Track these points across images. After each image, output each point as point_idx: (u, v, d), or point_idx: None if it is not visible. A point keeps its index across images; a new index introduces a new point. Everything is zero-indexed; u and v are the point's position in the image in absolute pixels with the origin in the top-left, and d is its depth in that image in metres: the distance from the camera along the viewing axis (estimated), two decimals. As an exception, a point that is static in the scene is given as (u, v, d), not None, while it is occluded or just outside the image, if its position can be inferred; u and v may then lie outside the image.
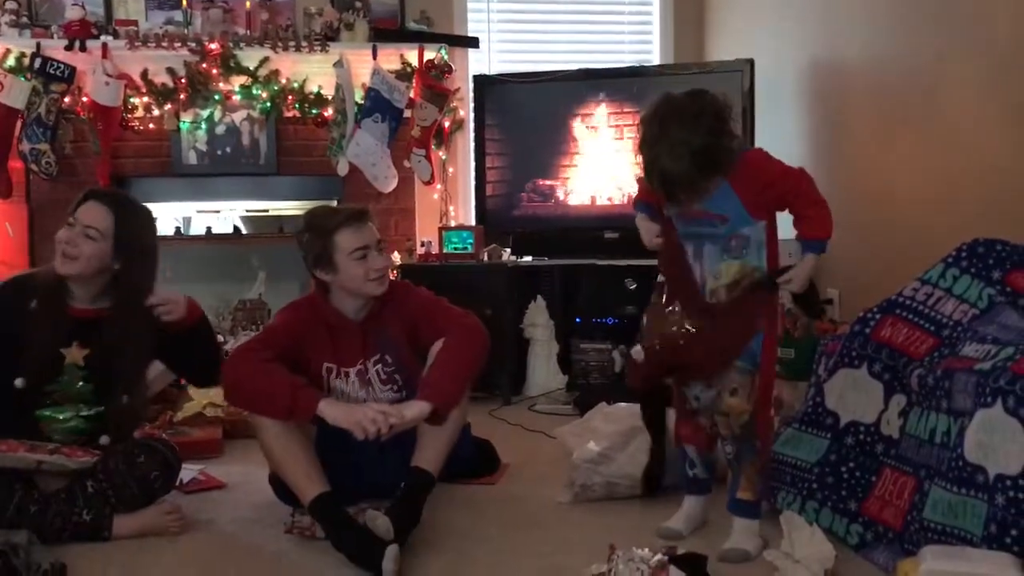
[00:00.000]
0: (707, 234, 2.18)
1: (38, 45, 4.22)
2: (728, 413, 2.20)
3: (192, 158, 4.46)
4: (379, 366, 2.58)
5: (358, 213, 2.52)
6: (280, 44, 4.37)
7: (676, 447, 2.42)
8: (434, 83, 4.46)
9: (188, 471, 2.74)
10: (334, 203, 4.28)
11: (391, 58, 4.49)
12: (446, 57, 4.52)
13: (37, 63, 4.17)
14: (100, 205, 2.39)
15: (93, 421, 2.39)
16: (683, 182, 2.07)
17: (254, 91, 4.41)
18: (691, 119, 2.06)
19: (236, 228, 4.73)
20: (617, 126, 4.28)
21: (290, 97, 4.43)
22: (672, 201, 2.16)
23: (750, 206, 2.13)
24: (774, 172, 2.16)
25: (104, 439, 2.39)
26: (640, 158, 2.15)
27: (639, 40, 5.00)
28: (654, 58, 4.94)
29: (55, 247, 2.37)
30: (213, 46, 4.33)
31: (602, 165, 4.31)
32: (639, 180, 2.35)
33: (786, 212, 2.18)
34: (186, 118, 4.41)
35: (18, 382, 2.32)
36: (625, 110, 4.26)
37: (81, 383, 2.37)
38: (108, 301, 2.41)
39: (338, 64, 4.33)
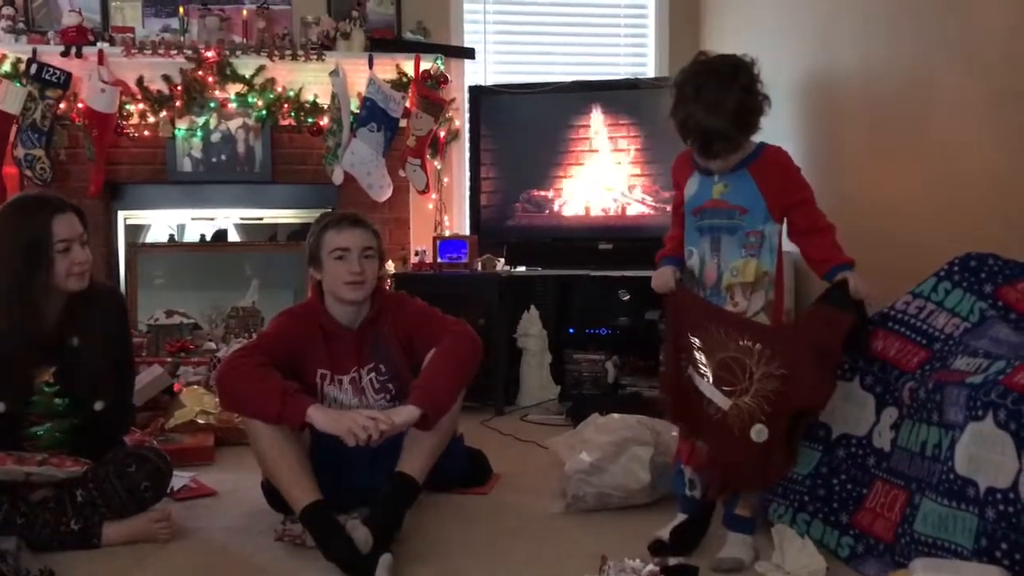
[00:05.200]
0: (725, 226, 2.18)
1: (34, 51, 4.23)
2: None
3: (187, 165, 4.46)
4: (373, 375, 2.59)
5: (348, 216, 2.59)
6: (276, 52, 4.38)
7: (673, 462, 2.42)
8: (430, 93, 4.47)
9: (179, 478, 2.73)
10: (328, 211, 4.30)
11: (387, 68, 4.50)
12: (442, 67, 4.54)
13: (33, 69, 4.17)
14: (68, 213, 2.34)
15: (72, 433, 2.36)
16: (720, 136, 2.08)
17: (250, 99, 4.41)
18: (727, 77, 2.08)
19: (223, 231, 4.73)
20: (612, 138, 4.29)
21: (286, 105, 4.44)
22: (708, 155, 2.14)
23: (770, 201, 2.14)
24: (797, 175, 2.19)
25: (99, 404, 2.37)
26: (674, 120, 2.13)
27: (634, 52, 5.02)
28: (649, 70, 4.96)
29: (62, 270, 2.30)
30: (209, 54, 4.34)
31: (596, 176, 4.32)
32: (667, 239, 2.36)
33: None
34: (181, 125, 4.41)
35: (0, 406, 2.30)
36: (620, 122, 4.28)
37: (56, 400, 2.34)
38: (63, 314, 2.38)
39: (334, 73, 4.34)
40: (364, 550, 2.12)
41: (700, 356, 2.17)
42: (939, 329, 2.26)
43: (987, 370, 1.97)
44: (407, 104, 4.45)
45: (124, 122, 4.36)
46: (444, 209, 4.69)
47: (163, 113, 4.37)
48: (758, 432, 2.08)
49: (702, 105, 2.07)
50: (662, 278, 2.27)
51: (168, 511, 2.43)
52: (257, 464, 2.43)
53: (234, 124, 4.47)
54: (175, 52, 4.32)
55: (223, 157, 4.48)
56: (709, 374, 2.15)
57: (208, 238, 4.73)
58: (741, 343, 2.11)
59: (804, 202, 2.19)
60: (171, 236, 4.73)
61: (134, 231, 4.66)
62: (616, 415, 2.83)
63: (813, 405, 2.16)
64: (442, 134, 4.62)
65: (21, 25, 4.35)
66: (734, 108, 2.06)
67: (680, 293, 2.26)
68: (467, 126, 4.58)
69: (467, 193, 4.60)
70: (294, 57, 4.38)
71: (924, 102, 3.12)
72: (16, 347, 2.30)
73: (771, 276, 2.18)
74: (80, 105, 4.27)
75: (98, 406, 2.38)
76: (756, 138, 2.22)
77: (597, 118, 4.30)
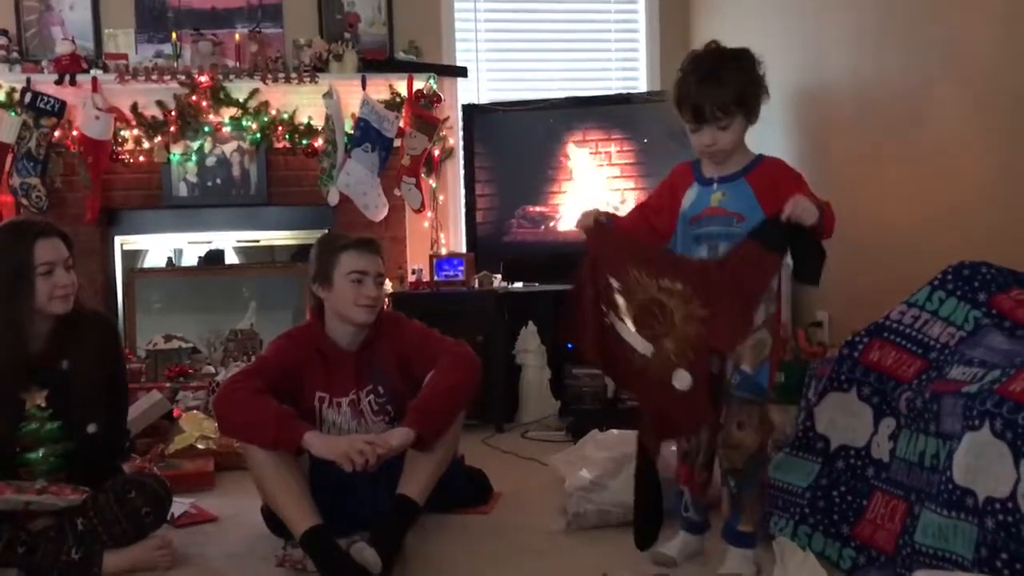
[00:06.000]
0: (723, 234, 2.16)
1: (28, 80, 4.24)
2: (737, 447, 2.17)
3: (183, 190, 4.47)
4: (371, 397, 2.59)
5: (367, 241, 2.61)
6: (269, 76, 4.39)
7: (674, 478, 2.42)
8: (423, 112, 4.49)
9: (179, 504, 2.72)
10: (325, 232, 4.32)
11: (380, 88, 4.52)
12: (435, 86, 4.55)
13: (27, 98, 4.19)
14: (52, 237, 2.34)
15: (67, 457, 2.36)
16: (712, 100, 2.09)
17: (244, 122, 4.43)
18: (728, 57, 2.13)
19: (220, 252, 4.73)
20: (605, 152, 4.31)
21: (280, 128, 4.46)
22: (699, 120, 2.12)
23: (768, 208, 2.12)
24: (791, 174, 2.19)
25: (91, 427, 2.36)
26: (673, 97, 2.15)
27: (626, 68, 5.04)
28: (641, 85, 4.97)
29: (44, 293, 2.29)
30: (203, 78, 4.35)
31: (590, 191, 4.33)
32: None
33: None
34: (176, 150, 4.42)
35: None
36: (612, 136, 4.29)
37: (48, 424, 2.33)
38: (53, 339, 2.38)
39: (327, 95, 4.35)
40: (375, 572, 2.12)
41: (620, 300, 2.12)
42: (934, 339, 2.27)
43: (983, 379, 1.98)
44: (401, 124, 4.46)
45: (119, 148, 4.37)
46: (440, 227, 4.71)
47: (158, 138, 4.37)
48: (680, 378, 2.03)
49: (698, 75, 2.11)
50: (585, 215, 2.23)
51: (168, 538, 2.43)
52: (257, 489, 2.43)
53: (229, 148, 4.48)
54: (168, 78, 4.34)
55: (218, 181, 4.49)
56: (629, 319, 2.10)
57: (202, 258, 4.72)
58: (662, 283, 2.06)
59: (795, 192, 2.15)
60: (169, 260, 4.73)
61: (131, 256, 4.66)
62: (615, 431, 2.83)
63: (727, 348, 2.10)
64: (436, 152, 4.64)
65: (15, 55, 4.36)
66: (731, 82, 2.09)
67: (600, 231, 2.21)
68: (461, 144, 4.60)
69: (463, 211, 4.61)
70: (287, 80, 4.40)
71: (915, 112, 3.14)
72: (4, 371, 2.30)
73: (771, 289, 2.18)
74: (75, 132, 4.29)
75: (91, 429, 2.37)
76: (767, 153, 2.23)
77: (590, 133, 4.32)
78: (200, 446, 3.29)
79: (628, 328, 2.10)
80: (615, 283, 2.13)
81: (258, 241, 4.78)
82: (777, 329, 2.22)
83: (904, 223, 3.20)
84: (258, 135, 4.44)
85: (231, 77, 4.39)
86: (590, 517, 2.57)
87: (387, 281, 4.14)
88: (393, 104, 4.50)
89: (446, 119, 4.64)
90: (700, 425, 2.17)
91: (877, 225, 3.35)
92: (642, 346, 2.08)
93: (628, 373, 2.15)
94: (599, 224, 2.23)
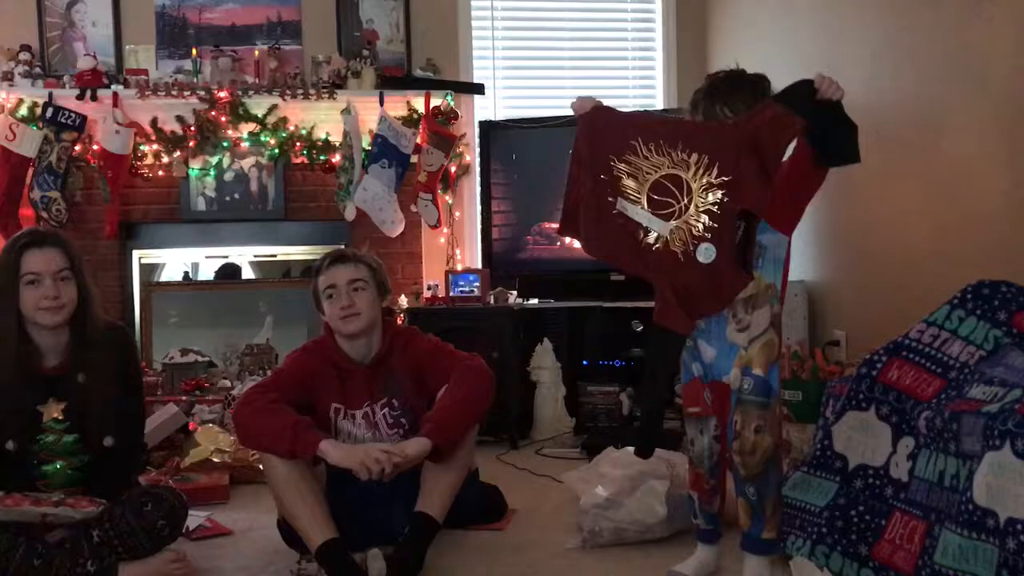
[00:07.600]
0: None
1: (50, 95, 4.30)
2: (754, 451, 2.18)
3: (201, 204, 4.51)
4: (386, 410, 2.60)
5: (331, 256, 2.64)
6: (288, 92, 4.43)
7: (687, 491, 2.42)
8: (440, 129, 4.51)
9: (194, 518, 2.72)
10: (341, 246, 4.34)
11: (398, 105, 4.55)
12: (452, 103, 4.58)
13: (49, 112, 4.24)
14: (45, 248, 2.33)
15: (84, 470, 2.37)
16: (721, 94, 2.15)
17: (262, 138, 4.46)
18: (746, 82, 2.21)
19: (235, 267, 4.74)
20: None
21: (298, 144, 4.49)
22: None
23: (769, 211, 2.12)
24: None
25: (108, 440, 2.36)
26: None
27: (643, 84, 5.06)
28: (658, 103, 4.99)
29: (30, 304, 2.28)
30: (222, 94, 4.40)
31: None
32: None
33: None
34: (195, 165, 4.46)
35: (9, 444, 2.30)
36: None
37: (65, 437, 2.34)
38: (69, 352, 2.38)
39: (346, 111, 4.39)
40: None
41: (629, 183, 2.04)
42: (954, 358, 2.25)
43: (1003, 399, 1.96)
44: (418, 140, 4.49)
45: (138, 163, 4.42)
46: (456, 243, 4.72)
47: (177, 153, 4.42)
48: (705, 252, 1.98)
49: (710, 96, 2.18)
50: (584, 98, 2.14)
51: (184, 551, 2.43)
52: (273, 502, 2.43)
53: (247, 163, 4.52)
54: (188, 93, 4.39)
55: (236, 195, 4.52)
56: (643, 200, 2.02)
57: (218, 272, 4.75)
58: (676, 156, 2.00)
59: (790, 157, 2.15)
60: (185, 274, 4.76)
61: (149, 270, 4.70)
62: (631, 448, 2.81)
63: (754, 206, 2.02)
64: (453, 169, 4.65)
65: (38, 70, 4.42)
66: (742, 104, 2.13)
67: (603, 110, 2.11)
68: (478, 160, 4.62)
69: (479, 227, 4.63)
70: (306, 96, 4.44)
71: (933, 130, 3.13)
72: (16, 384, 2.31)
73: (775, 289, 2.19)
74: (95, 147, 4.34)
75: (108, 442, 2.38)
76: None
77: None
78: (215, 459, 3.30)
79: (642, 211, 2.02)
80: (621, 166, 2.04)
81: (275, 256, 4.80)
82: (779, 328, 2.23)
83: (922, 241, 3.19)
84: (276, 151, 4.48)
85: (250, 93, 4.43)
86: (605, 535, 2.56)
87: (402, 296, 4.18)
88: (410, 121, 4.53)
89: (463, 136, 4.67)
90: (731, 297, 2.09)
91: (895, 243, 3.34)
92: (660, 226, 2.00)
93: (641, 258, 2.05)
94: (601, 104, 2.13)
